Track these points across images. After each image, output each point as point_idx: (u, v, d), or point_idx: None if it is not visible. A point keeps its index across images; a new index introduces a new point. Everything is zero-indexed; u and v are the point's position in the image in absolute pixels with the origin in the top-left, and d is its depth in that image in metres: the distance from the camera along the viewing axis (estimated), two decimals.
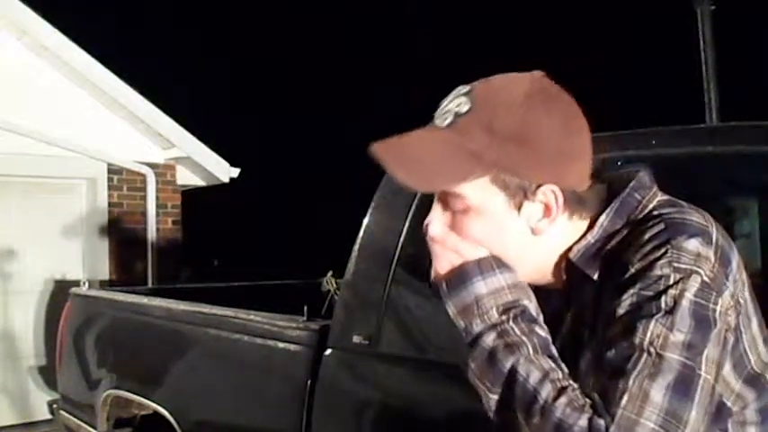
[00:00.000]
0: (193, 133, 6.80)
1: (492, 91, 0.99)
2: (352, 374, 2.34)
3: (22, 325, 6.10)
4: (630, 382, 0.86)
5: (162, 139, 6.70)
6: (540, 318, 1.00)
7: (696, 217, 0.97)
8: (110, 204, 6.51)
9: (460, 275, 0.98)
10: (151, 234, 6.72)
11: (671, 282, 0.90)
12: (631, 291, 0.92)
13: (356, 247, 2.37)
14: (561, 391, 0.89)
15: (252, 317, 2.70)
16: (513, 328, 0.95)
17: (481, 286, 0.97)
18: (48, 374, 5.82)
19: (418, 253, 1.86)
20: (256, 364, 2.71)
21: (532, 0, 16.11)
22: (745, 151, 1.86)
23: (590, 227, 1.03)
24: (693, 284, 0.90)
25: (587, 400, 0.88)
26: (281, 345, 2.55)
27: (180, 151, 6.75)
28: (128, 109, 6.43)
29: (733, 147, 1.91)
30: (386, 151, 0.97)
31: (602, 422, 0.85)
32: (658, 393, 0.86)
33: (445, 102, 1.01)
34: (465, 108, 0.97)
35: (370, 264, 2.34)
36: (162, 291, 4.12)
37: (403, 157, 0.97)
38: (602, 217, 1.02)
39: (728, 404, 0.97)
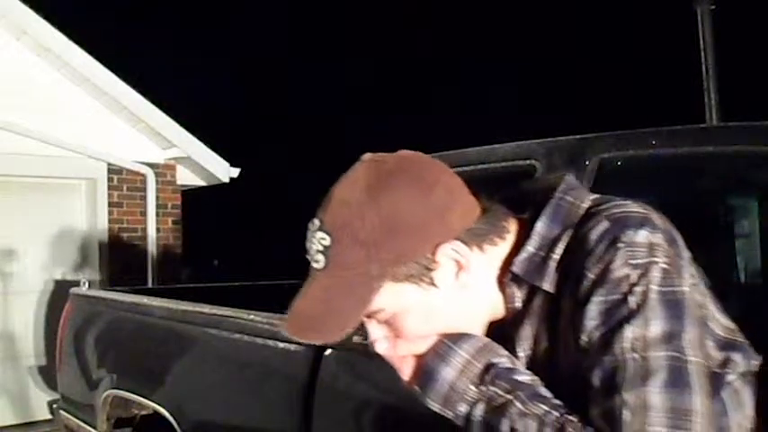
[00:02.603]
0: (193, 133, 6.80)
1: (337, 209, 0.96)
2: (352, 374, 2.34)
3: (22, 325, 6.10)
4: (626, 395, 0.85)
5: (162, 139, 6.70)
6: (518, 363, 1.00)
7: (634, 207, 0.97)
8: (110, 204, 6.51)
9: (425, 373, 0.99)
10: (151, 234, 6.71)
11: (632, 280, 0.90)
12: (595, 299, 0.91)
13: None
14: (562, 430, 0.88)
15: (252, 317, 2.70)
16: (496, 392, 0.94)
17: (448, 372, 0.97)
18: (48, 374, 5.82)
19: None
20: (256, 364, 2.71)
21: (533, 0, 16.11)
22: (745, 151, 1.86)
23: (524, 237, 1.01)
24: (655, 275, 0.90)
25: (589, 428, 0.87)
26: (281, 345, 2.55)
27: (180, 151, 6.75)
28: (128, 109, 6.44)
29: (733, 147, 1.91)
30: (296, 329, 1.00)
31: None
32: (656, 396, 0.85)
33: (309, 244, 0.99)
34: (327, 242, 0.96)
35: None
36: (162, 291, 4.12)
37: (308, 326, 0.98)
38: (538, 225, 1.00)
39: (720, 372, 0.98)
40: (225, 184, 7.29)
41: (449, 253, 0.96)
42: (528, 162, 2.14)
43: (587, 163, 2.03)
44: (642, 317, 0.88)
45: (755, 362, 1.02)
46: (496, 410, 0.93)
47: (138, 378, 3.28)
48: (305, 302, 1.00)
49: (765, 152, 1.81)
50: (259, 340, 2.64)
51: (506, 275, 1.01)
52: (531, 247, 0.99)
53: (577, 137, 2.17)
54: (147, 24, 16.73)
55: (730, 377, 0.98)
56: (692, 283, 0.94)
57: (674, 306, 0.89)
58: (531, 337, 1.01)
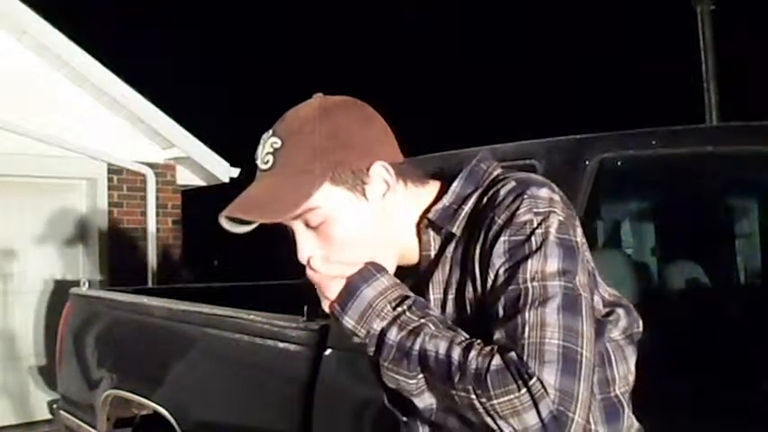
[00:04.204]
0: (193, 133, 6.80)
1: (291, 121, 1.12)
2: (352, 374, 2.34)
3: (22, 325, 6.11)
4: (526, 315, 0.98)
5: (162, 139, 6.70)
6: (430, 303, 1.12)
7: (536, 176, 1.13)
8: (110, 204, 6.51)
9: (348, 291, 1.09)
10: (151, 234, 6.72)
11: (534, 225, 1.04)
12: (502, 239, 1.04)
13: None
14: (468, 347, 0.99)
15: (252, 317, 2.70)
16: (410, 318, 1.05)
17: (369, 291, 1.08)
18: (48, 374, 5.82)
19: None
20: (256, 364, 2.71)
21: (533, 0, 16.11)
22: (745, 151, 1.86)
23: (441, 194, 1.16)
24: (554, 222, 1.04)
25: (494, 346, 0.98)
26: (281, 345, 2.55)
27: (180, 151, 6.75)
28: (128, 109, 6.44)
29: (733, 147, 1.91)
30: (238, 208, 1.09)
31: (512, 354, 0.96)
32: (552, 315, 0.98)
33: (259, 150, 1.13)
34: (278, 144, 1.10)
35: None
36: (162, 291, 4.12)
37: (253, 205, 1.09)
38: (454, 183, 1.15)
39: (603, 321, 1.13)
40: (225, 184, 7.29)
41: (380, 171, 1.11)
42: (528, 162, 2.14)
43: (587, 163, 2.03)
44: (542, 254, 1.02)
45: (639, 324, 1.18)
46: (411, 332, 1.03)
47: (138, 378, 3.28)
48: (250, 193, 1.11)
49: (765, 152, 1.82)
50: (259, 340, 2.64)
51: (423, 222, 1.16)
52: (445, 200, 1.15)
53: (577, 137, 2.17)
54: (147, 24, 16.74)
55: (615, 334, 1.14)
56: (583, 242, 1.08)
57: (568, 250, 1.04)
58: (443, 282, 1.14)
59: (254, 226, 1.15)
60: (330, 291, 1.10)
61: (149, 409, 3.22)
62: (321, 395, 2.32)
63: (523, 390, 0.94)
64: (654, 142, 1.99)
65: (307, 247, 1.12)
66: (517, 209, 1.05)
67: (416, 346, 1.02)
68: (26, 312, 6.12)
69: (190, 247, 8.05)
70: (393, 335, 1.05)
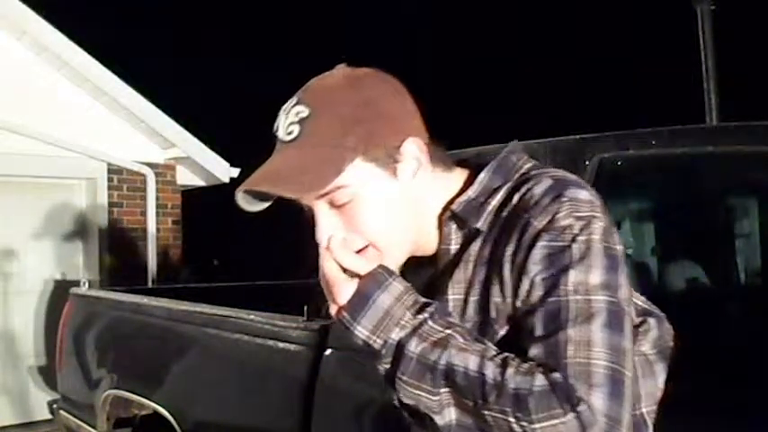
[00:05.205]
0: (193, 133, 6.80)
1: (319, 89, 1.02)
2: (352, 374, 2.34)
3: (22, 325, 6.10)
4: (570, 331, 0.90)
5: (162, 139, 6.70)
6: (448, 304, 1.03)
7: (570, 174, 1.04)
8: (110, 204, 6.51)
9: (361, 296, 0.98)
10: (151, 234, 6.71)
11: (576, 230, 0.95)
12: (540, 244, 0.95)
13: None
14: (504, 363, 0.90)
15: (252, 317, 2.70)
16: (433, 327, 0.95)
17: (385, 297, 0.98)
18: (48, 374, 5.81)
19: None
20: (256, 364, 2.71)
21: (533, 0, 16.11)
22: (745, 151, 1.86)
23: (468, 185, 1.07)
24: (597, 228, 0.96)
25: (531, 362, 0.90)
26: (281, 345, 2.55)
27: (180, 151, 6.74)
28: (128, 109, 6.43)
29: (733, 147, 1.91)
30: (260, 181, 0.98)
31: (557, 375, 0.88)
32: (597, 333, 0.90)
33: (281, 121, 1.02)
34: (305, 113, 0.99)
35: None
36: (162, 291, 4.12)
37: (279, 178, 0.98)
38: (482, 175, 1.06)
39: (634, 331, 1.03)
40: (225, 184, 7.29)
41: (413, 149, 1.02)
42: None
43: (587, 163, 2.03)
44: (585, 264, 0.93)
45: (670, 336, 1.10)
46: (435, 344, 0.94)
47: (138, 378, 3.28)
48: (273, 165, 1.01)
49: (765, 152, 1.81)
50: (259, 340, 2.64)
51: (446, 214, 1.07)
52: (471, 192, 1.06)
53: (577, 137, 2.17)
54: (147, 24, 16.74)
55: (645, 347, 1.06)
56: (622, 249, 1.00)
57: (612, 259, 0.95)
58: (465, 282, 1.04)
59: (268, 204, 1.03)
60: (341, 294, 1.00)
61: (149, 409, 3.22)
62: (321, 395, 2.32)
63: (570, 415, 0.86)
64: (654, 142, 1.99)
65: (328, 228, 1.01)
66: (557, 212, 0.96)
67: (442, 360, 0.92)
68: (26, 312, 6.12)
69: (190, 247, 8.04)
70: (414, 346, 0.94)
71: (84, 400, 3.66)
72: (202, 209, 9.42)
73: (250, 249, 12.67)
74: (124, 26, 16.33)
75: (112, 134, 6.48)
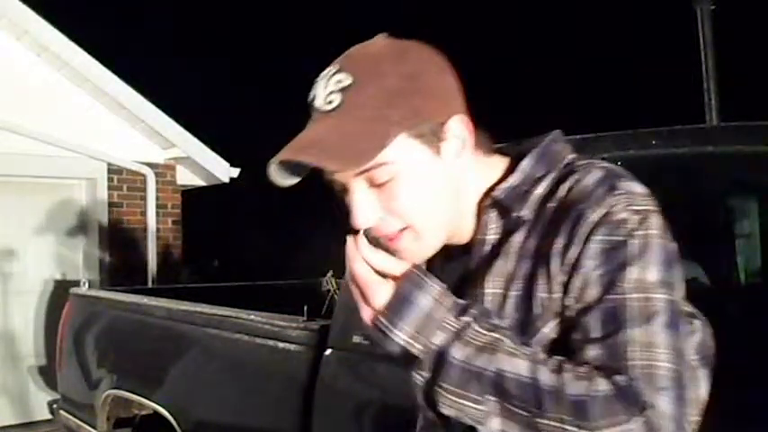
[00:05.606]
0: (193, 133, 6.80)
1: (362, 57, 0.95)
2: (352, 374, 2.34)
3: (22, 325, 6.10)
4: (631, 332, 0.86)
5: (162, 139, 6.70)
6: (484, 297, 0.98)
7: (616, 166, 0.99)
8: (110, 204, 6.51)
9: (400, 298, 0.91)
10: (151, 234, 6.71)
11: (633, 225, 0.90)
12: (596, 238, 0.90)
13: None
14: (559, 368, 0.86)
15: (252, 317, 2.70)
16: (478, 331, 0.90)
17: (425, 298, 0.91)
18: (48, 374, 5.82)
19: None
20: (256, 364, 2.71)
21: (533, 0, 16.11)
22: (745, 151, 1.86)
23: (508, 173, 1.02)
24: (654, 223, 0.91)
25: (591, 367, 0.86)
26: (281, 345, 2.55)
27: (180, 151, 6.74)
28: (128, 109, 6.43)
29: (733, 147, 1.91)
30: (300, 152, 0.91)
31: (620, 378, 0.83)
32: (660, 334, 0.86)
33: (319, 89, 0.95)
34: (348, 82, 0.92)
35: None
36: (162, 291, 4.12)
37: (320, 150, 0.91)
38: (524, 162, 1.01)
39: None
40: (225, 184, 7.29)
41: (458, 127, 0.97)
42: None
43: None
44: (644, 260, 0.89)
45: (711, 341, 1.04)
46: (481, 350, 0.88)
47: (138, 378, 3.28)
48: (315, 135, 0.93)
49: (765, 152, 1.81)
50: (259, 340, 2.64)
51: (486, 201, 1.01)
52: (514, 180, 1.00)
53: (577, 137, 2.17)
54: (147, 24, 16.74)
55: (689, 352, 1.00)
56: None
57: (669, 256, 0.91)
58: (506, 275, 0.97)
59: (298, 179, 0.96)
60: (377, 296, 0.92)
61: (149, 409, 3.22)
62: (321, 395, 2.32)
63: (637, 420, 0.81)
64: (654, 142, 1.99)
65: (367, 209, 0.95)
66: (613, 204, 0.91)
67: (491, 367, 0.86)
68: (26, 312, 6.12)
69: (190, 247, 8.05)
70: (458, 352, 0.88)
71: (84, 400, 3.66)
72: (202, 209, 9.43)
73: (250, 249, 12.67)
74: (124, 26, 16.33)
75: (112, 134, 6.48)
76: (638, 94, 12.99)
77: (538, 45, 15.86)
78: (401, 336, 0.91)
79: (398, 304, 0.91)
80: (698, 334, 1.02)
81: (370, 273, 0.93)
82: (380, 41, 0.98)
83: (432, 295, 0.91)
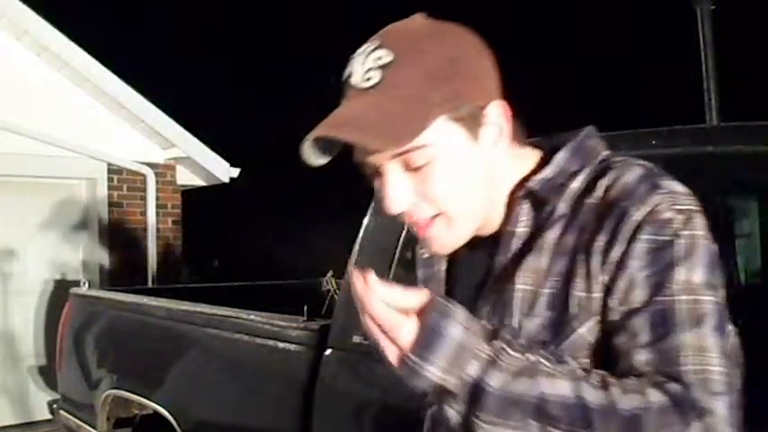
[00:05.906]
0: (193, 133, 6.80)
1: (402, 34, 0.92)
2: (352, 374, 2.34)
3: (22, 325, 6.10)
4: (682, 335, 0.83)
5: (162, 139, 6.70)
6: (513, 294, 0.95)
7: (651, 163, 0.97)
8: (110, 204, 6.51)
9: (429, 331, 0.84)
10: (151, 234, 6.71)
11: (679, 225, 0.88)
12: (642, 237, 0.87)
13: (356, 247, 2.37)
14: (604, 384, 0.82)
15: (252, 317, 2.70)
16: (513, 356, 0.84)
17: (455, 327, 0.84)
18: (48, 374, 5.82)
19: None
20: (256, 364, 2.71)
21: (533, 0, 16.11)
22: (745, 151, 1.86)
23: (542, 165, 0.99)
24: (698, 223, 0.89)
25: (642, 377, 0.83)
26: (281, 345, 2.55)
27: (180, 151, 6.75)
28: (128, 109, 6.43)
29: (733, 147, 1.90)
30: (338, 129, 0.88)
31: (675, 387, 0.81)
32: (711, 338, 0.84)
33: (356, 66, 0.91)
34: (388, 59, 0.89)
35: (369, 264, 2.34)
36: (162, 291, 4.12)
37: (360, 127, 0.87)
38: (559, 155, 0.98)
39: None
40: (225, 184, 7.29)
41: (496, 113, 0.94)
42: None
43: None
44: (690, 262, 0.86)
45: (739, 346, 1.00)
46: (518, 375, 0.83)
47: (138, 378, 3.28)
48: (350, 112, 0.90)
49: (765, 152, 1.81)
50: (259, 340, 2.64)
51: (519, 192, 0.98)
52: (548, 172, 0.97)
53: None
54: (147, 24, 16.74)
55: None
56: None
57: (712, 257, 0.89)
58: (538, 272, 0.93)
59: (329, 159, 0.93)
60: (403, 334, 0.84)
61: (149, 409, 3.22)
62: (321, 395, 2.32)
63: (696, 427, 0.79)
64: (654, 142, 1.99)
65: (401, 193, 0.92)
66: (657, 204, 0.88)
67: (532, 392, 0.82)
68: (26, 312, 6.12)
69: (190, 247, 8.05)
70: (494, 380, 0.83)
71: (84, 400, 3.66)
72: (202, 209, 9.42)
73: (250, 249, 12.66)
74: (124, 26, 16.33)
75: (112, 134, 6.48)
76: (638, 94, 12.99)
77: (537, 45, 15.86)
78: (434, 371, 0.84)
79: (428, 338, 0.84)
80: (731, 339, 0.97)
81: (390, 311, 0.85)
82: (420, 20, 0.95)
83: (460, 323, 0.85)
